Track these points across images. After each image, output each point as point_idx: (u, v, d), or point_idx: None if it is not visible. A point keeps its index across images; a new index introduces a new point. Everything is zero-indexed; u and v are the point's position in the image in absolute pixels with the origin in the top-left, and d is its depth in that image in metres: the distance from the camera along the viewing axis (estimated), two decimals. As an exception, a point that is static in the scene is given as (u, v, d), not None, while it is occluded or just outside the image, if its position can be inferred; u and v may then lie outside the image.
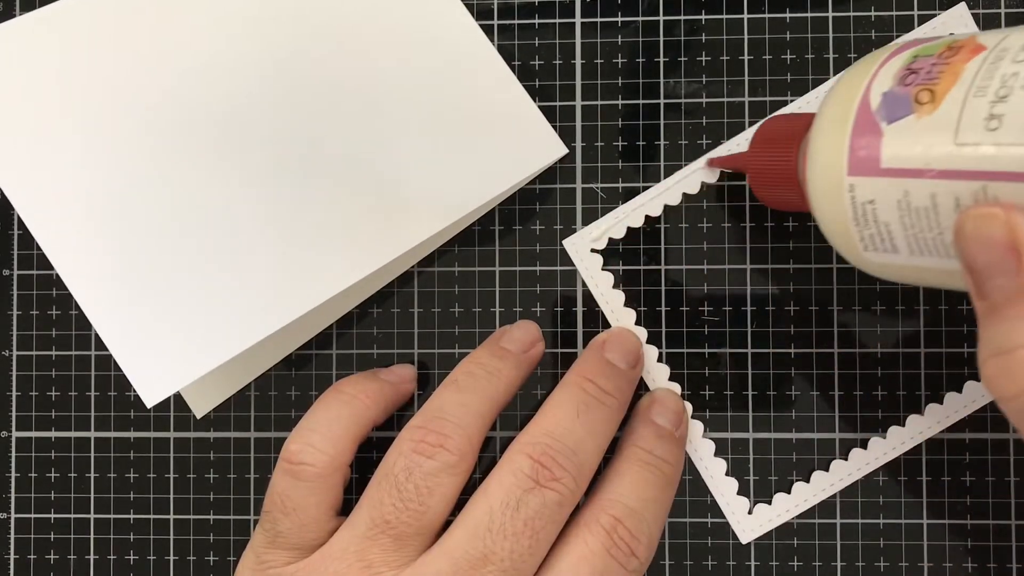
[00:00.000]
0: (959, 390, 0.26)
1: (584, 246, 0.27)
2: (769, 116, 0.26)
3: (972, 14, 0.26)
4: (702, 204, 0.27)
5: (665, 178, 0.27)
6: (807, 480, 0.27)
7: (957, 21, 0.26)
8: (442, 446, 0.23)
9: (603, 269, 0.27)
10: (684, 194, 0.27)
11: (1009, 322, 0.16)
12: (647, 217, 0.27)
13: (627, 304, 0.27)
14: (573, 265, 0.27)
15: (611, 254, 0.27)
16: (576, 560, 0.22)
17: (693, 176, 0.27)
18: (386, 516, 0.22)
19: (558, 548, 0.23)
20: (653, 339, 0.27)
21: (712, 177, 0.27)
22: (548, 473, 0.22)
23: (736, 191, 0.27)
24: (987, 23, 0.26)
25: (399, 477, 0.23)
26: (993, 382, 0.17)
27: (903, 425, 0.26)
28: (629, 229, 0.27)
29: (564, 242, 0.27)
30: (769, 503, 0.27)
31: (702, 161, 0.27)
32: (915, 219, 0.18)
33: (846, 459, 0.27)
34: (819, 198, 0.20)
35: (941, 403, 0.26)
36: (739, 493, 0.27)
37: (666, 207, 0.27)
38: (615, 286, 0.27)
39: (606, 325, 0.27)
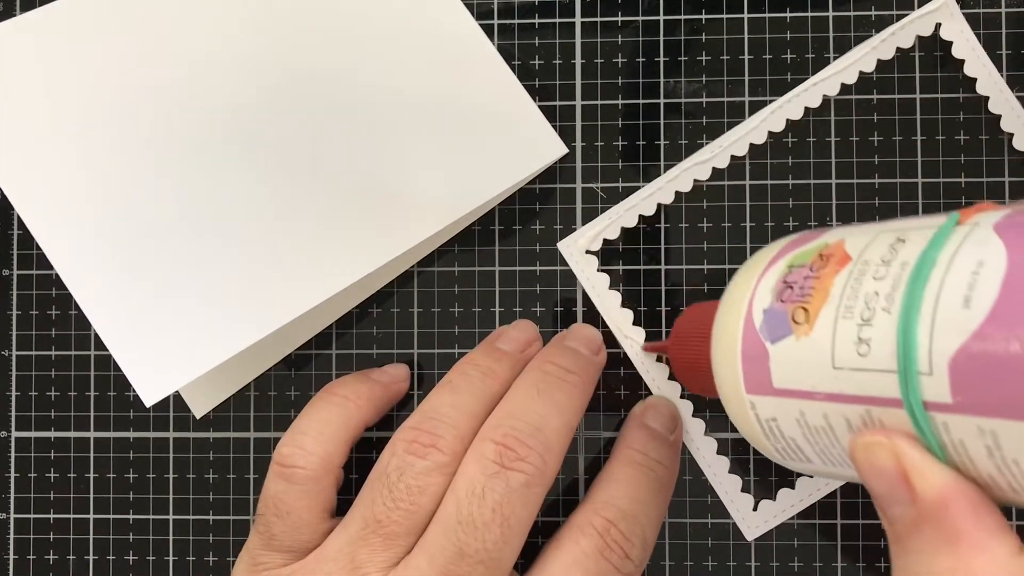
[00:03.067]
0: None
1: (579, 248, 0.27)
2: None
3: (972, 13, 0.26)
4: (702, 204, 0.27)
5: (665, 178, 0.27)
6: (810, 476, 0.27)
7: (942, 12, 0.26)
8: (434, 446, 0.23)
9: (600, 270, 0.27)
10: (683, 193, 0.27)
11: (913, 555, 0.16)
12: (647, 217, 0.27)
13: (625, 304, 0.27)
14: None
15: (611, 254, 0.27)
16: (569, 563, 0.22)
17: (684, 175, 0.27)
18: (378, 516, 0.22)
19: (550, 551, 0.23)
20: (653, 339, 0.27)
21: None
22: (512, 454, 0.22)
23: (736, 190, 0.27)
24: (987, 23, 0.26)
25: (391, 477, 0.23)
26: None
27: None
28: (630, 229, 0.27)
29: (558, 244, 0.27)
30: (773, 500, 0.27)
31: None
32: (817, 437, 0.18)
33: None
34: (730, 410, 0.20)
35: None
36: (742, 491, 0.27)
37: (666, 206, 0.27)
38: (612, 287, 0.27)
39: (605, 325, 0.27)
